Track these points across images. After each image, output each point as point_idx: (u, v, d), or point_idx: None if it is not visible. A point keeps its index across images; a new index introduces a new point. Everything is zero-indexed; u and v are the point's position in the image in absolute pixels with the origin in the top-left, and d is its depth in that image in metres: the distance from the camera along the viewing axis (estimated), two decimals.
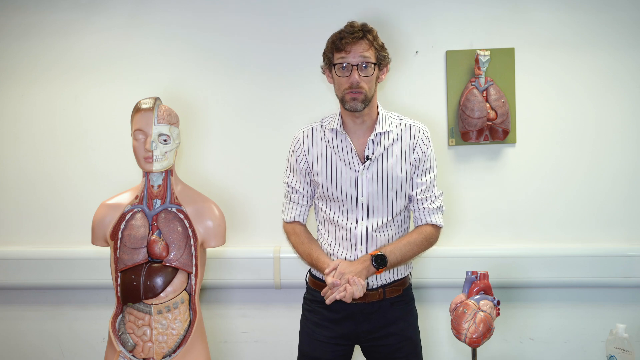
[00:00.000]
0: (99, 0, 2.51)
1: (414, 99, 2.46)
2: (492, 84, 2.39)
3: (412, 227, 1.90)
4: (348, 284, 1.68)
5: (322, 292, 1.74)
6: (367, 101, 1.75)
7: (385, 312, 1.83)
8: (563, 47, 2.45)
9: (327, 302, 1.70)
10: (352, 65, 1.71)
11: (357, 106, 1.74)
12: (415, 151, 1.81)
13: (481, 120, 2.37)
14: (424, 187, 1.83)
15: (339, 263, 1.73)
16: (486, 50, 2.38)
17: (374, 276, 1.80)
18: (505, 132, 2.40)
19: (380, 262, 1.72)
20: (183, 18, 2.50)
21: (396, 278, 1.85)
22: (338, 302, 1.81)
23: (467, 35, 2.46)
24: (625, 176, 2.45)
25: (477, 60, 2.38)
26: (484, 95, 2.39)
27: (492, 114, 2.38)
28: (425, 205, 1.83)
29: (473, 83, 2.40)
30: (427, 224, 1.84)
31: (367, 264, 1.73)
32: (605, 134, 2.45)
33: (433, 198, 1.84)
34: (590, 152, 2.46)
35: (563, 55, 2.45)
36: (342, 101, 1.76)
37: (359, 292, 1.67)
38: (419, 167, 1.82)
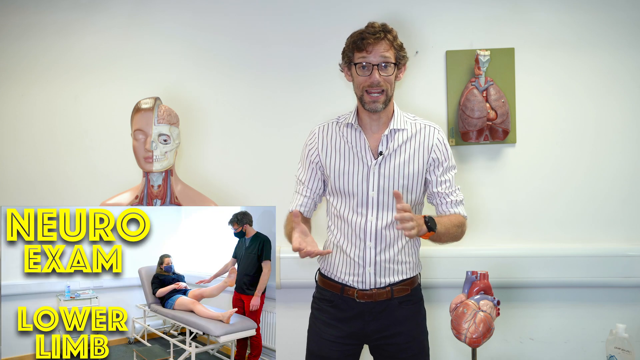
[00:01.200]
0: (99, 0, 2.51)
1: (414, 98, 2.46)
2: (492, 84, 2.39)
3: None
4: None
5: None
6: (387, 101, 1.79)
7: (393, 311, 1.83)
8: (563, 47, 2.45)
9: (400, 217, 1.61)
10: (373, 65, 1.74)
11: (377, 107, 1.78)
12: (433, 151, 1.84)
13: (481, 120, 2.37)
14: (448, 184, 1.86)
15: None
16: (486, 50, 2.39)
17: (383, 275, 1.81)
18: (505, 132, 2.40)
19: (431, 224, 1.70)
20: (183, 18, 2.50)
21: (405, 277, 1.85)
22: (346, 301, 1.83)
23: (467, 35, 2.46)
24: (625, 176, 2.45)
25: (477, 60, 2.38)
26: (484, 95, 2.39)
27: (492, 114, 2.38)
28: (450, 199, 1.86)
29: (473, 83, 2.40)
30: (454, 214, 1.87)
31: (421, 222, 1.69)
32: (605, 134, 2.45)
33: (457, 192, 1.88)
34: (590, 152, 2.46)
35: (563, 55, 2.45)
36: (362, 101, 1.80)
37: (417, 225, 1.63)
38: (442, 165, 1.85)
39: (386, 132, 1.82)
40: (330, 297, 1.87)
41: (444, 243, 1.83)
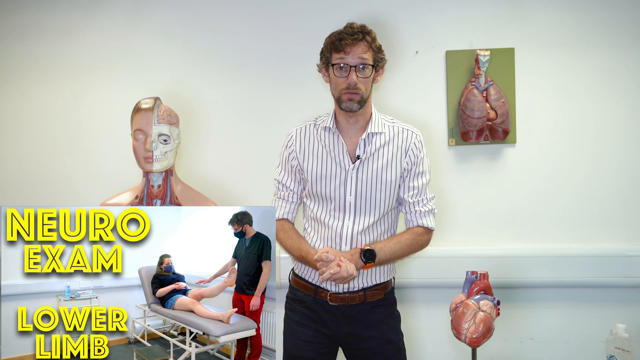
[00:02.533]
0: (99, 0, 2.51)
1: (414, 99, 2.46)
2: (492, 84, 2.39)
3: (399, 232, 1.90)
4: (340, 261, 1.68)
5: (320, 269, 1.71)
6: (363, 102, 1.77)
7: (366, 315, 1.82)
8: (563, 47, 2.45)
9: (320, 280, 1.70)
10: (351, 66, 1.73)
11: (353, 107, 1.75)
12: (407, 155, 1.82)
13: (481, 120, 2.37)
14: (416, 191, 1.83)
15: (328, 249, 1.74)
16: (486, 50, 2.39)
17: (356, 279, 1.80)
18: (505, 132, 2.40)
19: (368, 256, 1.72)
20: (183, 18, 2.51)
21: (378, 282, 1.85)
22: (319, 303, 1.83)
23: (467, 35, 2.46)
24: (625, 176, 2.46)
25: (477, 60, 2.38)
26: (484, 95, 2.39)
27: (492, 114, 2.38)
28: (417, 208, 1.84)
29: (473, 83, 2.40)
30: (418, 226, 1.85)
31: (356, 257, 1.73)
32: (605, 134, 2.46)
33: (425, 201, 1.85)
34: (590, 152, 2.46)
35: (563, 55, 2.45)
36: (339, 101, 1.78)
37: (352, 270, 1.67)
38: (411, 170, 1.83)
39: (363, 136, 1.80)
40: (303, 298, 1.87)
41: (396, 261, 1.84)
